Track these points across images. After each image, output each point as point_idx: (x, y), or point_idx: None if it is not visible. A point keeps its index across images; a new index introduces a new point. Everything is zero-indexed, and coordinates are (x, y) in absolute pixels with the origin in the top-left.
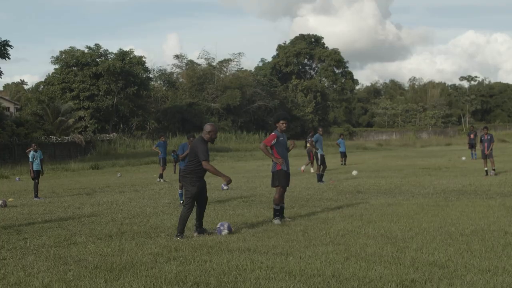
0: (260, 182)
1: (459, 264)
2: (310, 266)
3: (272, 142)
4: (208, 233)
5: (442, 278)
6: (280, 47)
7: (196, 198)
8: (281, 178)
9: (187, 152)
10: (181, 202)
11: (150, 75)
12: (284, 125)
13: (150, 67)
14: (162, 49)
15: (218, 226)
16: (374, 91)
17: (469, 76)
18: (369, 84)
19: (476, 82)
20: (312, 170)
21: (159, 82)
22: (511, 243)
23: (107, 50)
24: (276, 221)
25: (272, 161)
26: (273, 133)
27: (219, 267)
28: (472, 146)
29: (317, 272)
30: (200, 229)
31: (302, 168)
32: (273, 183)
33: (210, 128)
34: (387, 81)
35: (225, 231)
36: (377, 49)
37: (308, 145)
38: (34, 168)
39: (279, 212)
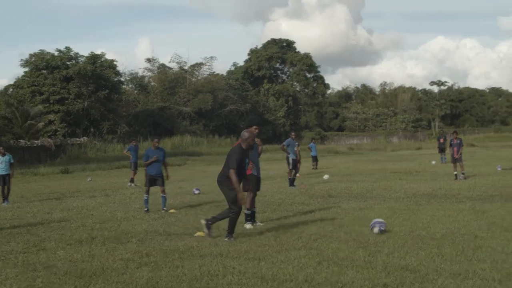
0: None
1: (430, 268)
2: (282, 271)
3: None
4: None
5: (414, 282)
6: (252, 51)
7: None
8: (251, 183)
9: (152, 160)
10: (146, 209)
11: (122, 79)
12: (256, 130)
13: (121, 71)
14: (134, 53)
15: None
16: (345, 96)
17: (439, 81)
18: (340, 89)
19: (445, 87)
20: (298, 174)
21: (130, 85)
22: (481, 246)
23: (78, 53)
24: (248, 226)
25: None
26: None
27: (191, 272)
28: (442, 150)
29: (290, 277)
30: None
31: (298, 174)
32: (243, 187)
33: (248, 135)
34: (358, 86)
35: (376, 230)
36: (349, 53)
37: (294, 149)
38: None
39: (250, 217)
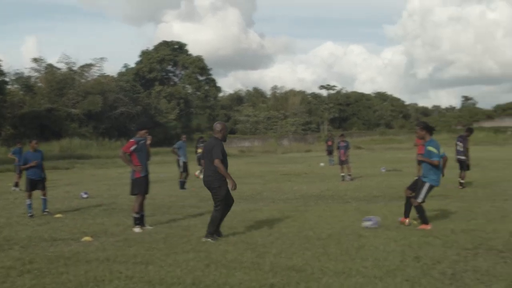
0: (121, 189)
1: (315, 268)
2: (170, 275)
3: (131, 149)
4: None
5: (300, 282)
6: (143, 53)
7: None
8: (140, 186)
9: (32, 164)
10: (30, 214)
11: (6, 79)
12: (147, 134)
13: (6, 70)
14: (19, 52)
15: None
16: (237, 99)
17: (328, 85)
18: (232, 92)
19: (334, 91)
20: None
21: (15, 86)
22: (364, 245)
23: None
24: (137, 230)
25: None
26: (131, 140)
27: (76, 278)
28: (330, 152)
29: (177, 280)
30: (218, 232)
31: (197, 173)
32: (132, 191)
33: (221, 126)
34: (250, 89)
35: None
36: (241, 57)
37: (198, 150)
38: None
39: (139, 220)
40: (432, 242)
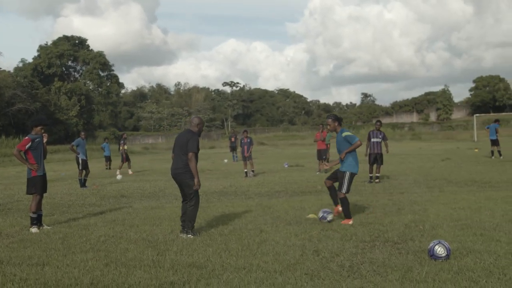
0: (18, 189)
1: (216, 264)
2: (67, 275)
3: (27, 147)
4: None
5: (200, 279)
6: (41, 48)
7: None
8: (37, 185)
9: None
10: None
11: None
12: (42, 130)
13: None
14: None
15: (321, 214)
16: (140, 95)
17: (232, 82)
18: (135, 88)
19: (238, 88)
20: (130, 172)
21: None
22: (265, 240)
23: None
24: (34, 230)
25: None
26: (27, 137)
27: None
28: (233, 149)
29: (75, 281)
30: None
31: (118, 172)
32: (29, 190)
33: (198, 121)
34: (154, 85)
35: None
36: (144, 52)
37: (121, 147)
38: None
39: (36, 220)
40: (332, 235)
